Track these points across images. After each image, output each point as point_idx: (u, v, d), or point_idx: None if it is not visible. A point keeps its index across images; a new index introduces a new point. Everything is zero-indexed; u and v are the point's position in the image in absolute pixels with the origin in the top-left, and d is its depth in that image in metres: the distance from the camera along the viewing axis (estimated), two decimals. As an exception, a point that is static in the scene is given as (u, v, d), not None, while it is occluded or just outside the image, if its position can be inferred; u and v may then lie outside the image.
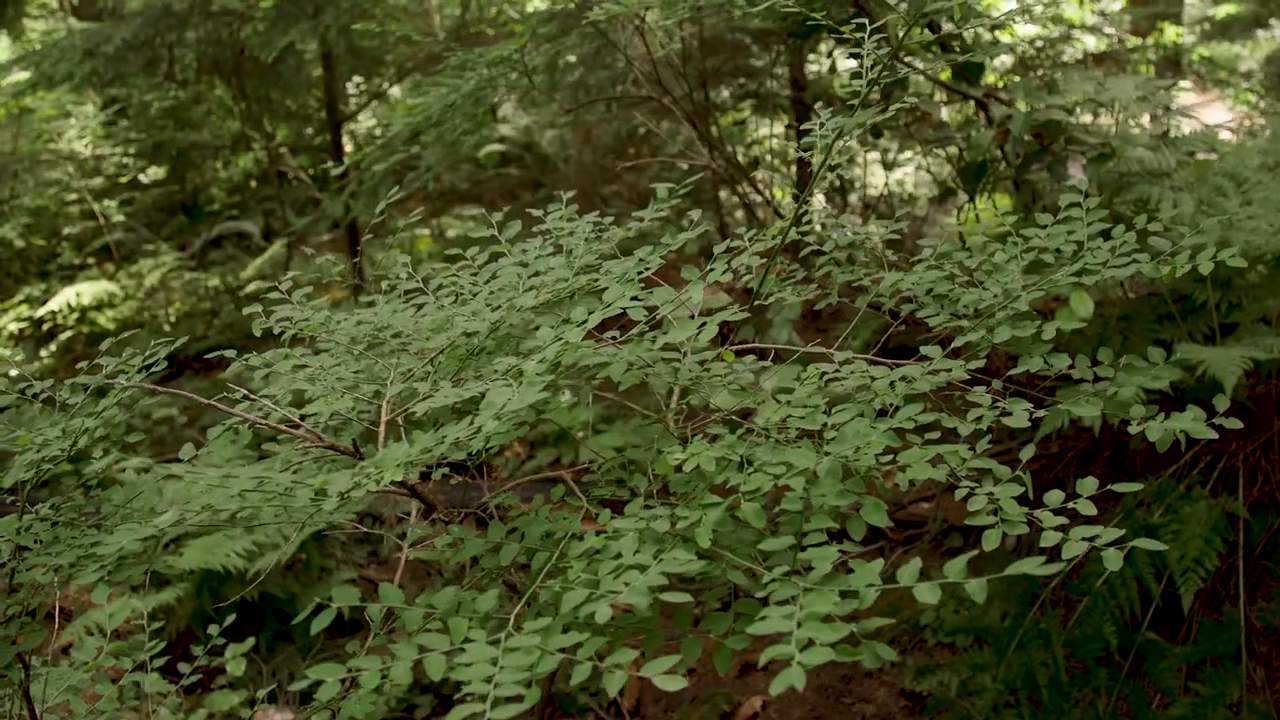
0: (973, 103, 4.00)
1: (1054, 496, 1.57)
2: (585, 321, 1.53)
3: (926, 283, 1.98)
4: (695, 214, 1.94)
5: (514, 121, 12.23)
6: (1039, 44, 5.89)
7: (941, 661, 3.63)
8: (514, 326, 1.89)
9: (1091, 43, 7.04)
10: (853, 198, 9.27)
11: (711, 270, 1.64)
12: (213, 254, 10.40)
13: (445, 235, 11.45)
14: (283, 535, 4.48)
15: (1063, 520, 1.51)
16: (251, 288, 9.94)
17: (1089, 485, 1.59)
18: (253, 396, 1.74)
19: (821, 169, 1.89)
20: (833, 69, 4.72)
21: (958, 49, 3.92)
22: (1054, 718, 3.20)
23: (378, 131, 12.15)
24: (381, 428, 1.75)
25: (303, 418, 1.71)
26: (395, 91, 11.73)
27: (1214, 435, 1.70)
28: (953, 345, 1.76)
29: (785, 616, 1.24)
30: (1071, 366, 1.83)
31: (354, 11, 5.97)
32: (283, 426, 1.68)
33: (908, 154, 11.00)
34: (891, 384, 1.67)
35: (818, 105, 2.44)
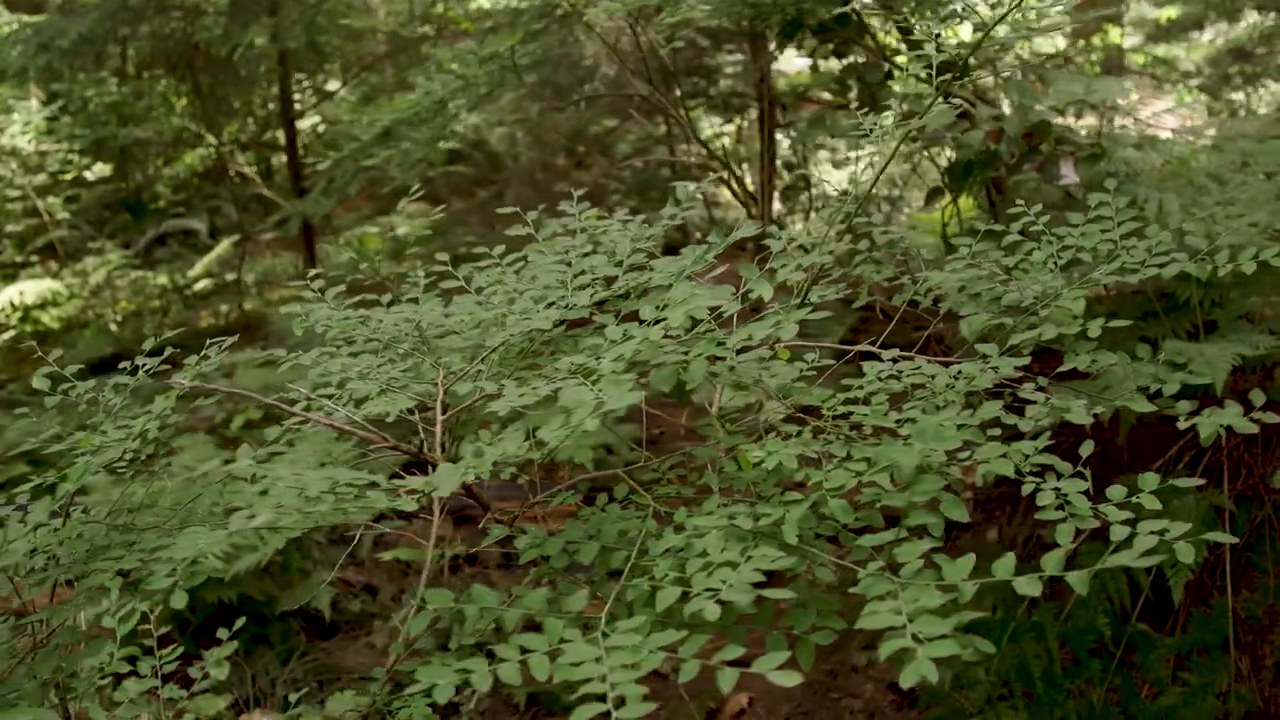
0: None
1: (1117, 491, 1.60)
2: (664, 319, 1.53)
3: (963, 281, 2.00)
4: (741, 215, 1.95)
5: (463, 119, 12.17)
6: (996, 46, 5.97)
7: (930, 655, 3.67)
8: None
9: (1048, 44, 7.16)
10: (802, 196, 9.34)
11: (775, 270, 1.65)
12: (158, 252, 10.24)
13: (395, 232, 11.36)
14: (259, 537, 4.43)
15: (1128, 515, 1.55)
16: (200, 286, 9.81)
17: (1150, 481, 1.63)
18: (311, 396, 1.72)
19: (884, 170, 1.91)
20: (814, 68, 4.76)
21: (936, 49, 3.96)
22: (1049, 709, 3.25)
23: (321, 128, 12.04)
24: (438, 427, 1.74)
25: (363, 418, 1.69)
26: (340, 90, 11.61)
27: (1254, 429, 1.74)
28: (1009, 344, 1.78)
29: (894, 611, 1.25)
30: (1114, 364, 1.87)
31: (318, 7, 5.90)
32: (346, 427, 1.66)
33: (853, 153, 11.10)
34: (950, 383, 1.70)
35: (872, 104, 2.46)
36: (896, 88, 3.83)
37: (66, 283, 9.23)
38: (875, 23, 3.94)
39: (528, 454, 1.47)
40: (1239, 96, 8.69)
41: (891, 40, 4.19)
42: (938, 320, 2.04)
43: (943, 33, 3.68)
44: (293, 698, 2.38)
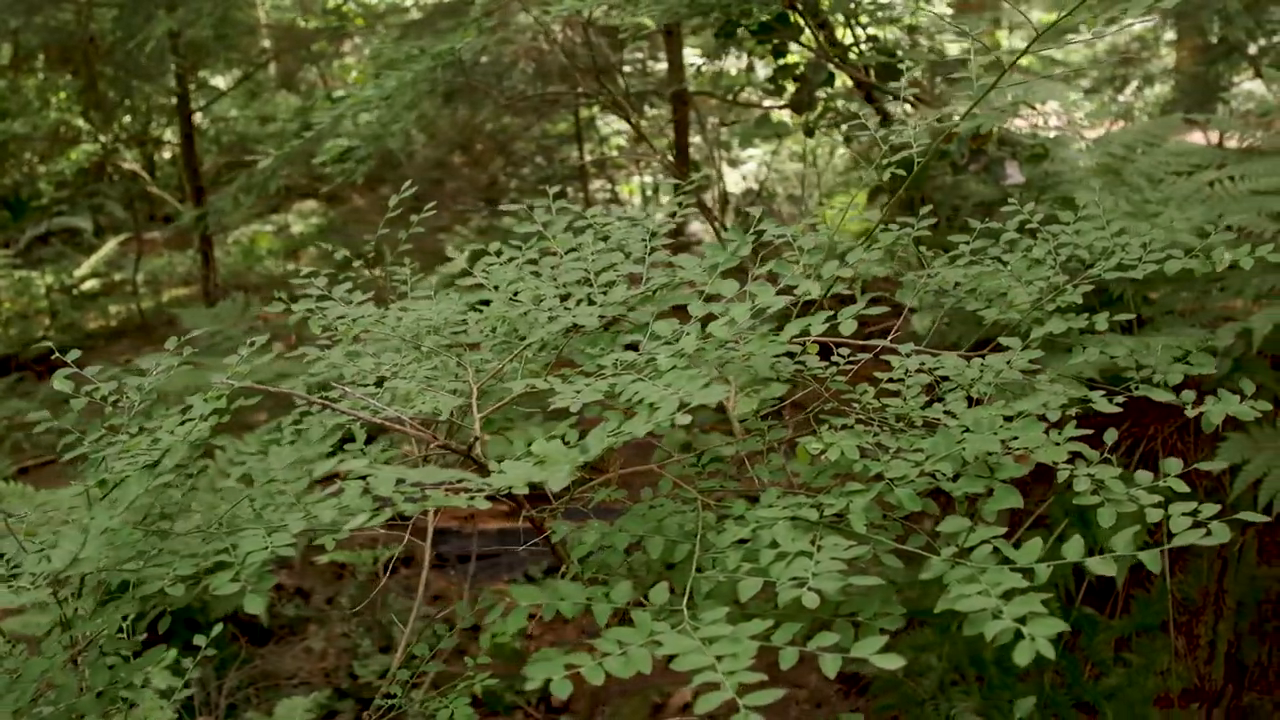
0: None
1: (1144, 476, 1.67)
2: (729, 316, 1.55)
3: (969, 277, 2.06)
4: (755, 211, 1.98)
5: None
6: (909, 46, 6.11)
7: (876, 644, 3.75)
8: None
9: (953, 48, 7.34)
10: (708, 194, 9.43)
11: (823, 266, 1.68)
12: (41, 251, 9.90)
13: (289, 230, 11.16)
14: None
15: (1158, 498, 1.62)
16: (88, 286, 9.51)
17: (1174, 465, 1.70)
18: (348, 393, 1.70)
19: (918, 171, 1.95)
20: (750, 68, 4.81)
21: (875, 51, 4.06)
22: (1000, 693, 3.35)
23: (204, 124, 11.76)
24: (476, 425, 1.73)
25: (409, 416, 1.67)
26: (221, 83, 11.36)
27: (1254, 415, 1.84)
28: (1032, 338, 1.84)
29: (981, 593, 1.30)
30: (1118, 356, 1.95)
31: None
32: (396, 425, 1.64)
33: (750, 152, 11.28)
34: (979, 375, 1.75)
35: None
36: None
37: (-55, 284, 8.88)
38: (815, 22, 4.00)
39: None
40: (1122, 98, 9.03)
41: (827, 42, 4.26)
42: (953, 316, 2.09)
43: (880, 34, 3.75)
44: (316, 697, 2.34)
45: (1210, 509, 1.55)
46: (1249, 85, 8.24)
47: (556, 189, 2.28)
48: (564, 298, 1.89)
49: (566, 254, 2.00)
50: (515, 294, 1.88)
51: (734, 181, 10.76)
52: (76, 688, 1.45)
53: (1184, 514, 1.55)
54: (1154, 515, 1.59)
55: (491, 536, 4.89)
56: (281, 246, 11.01)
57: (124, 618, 1.79)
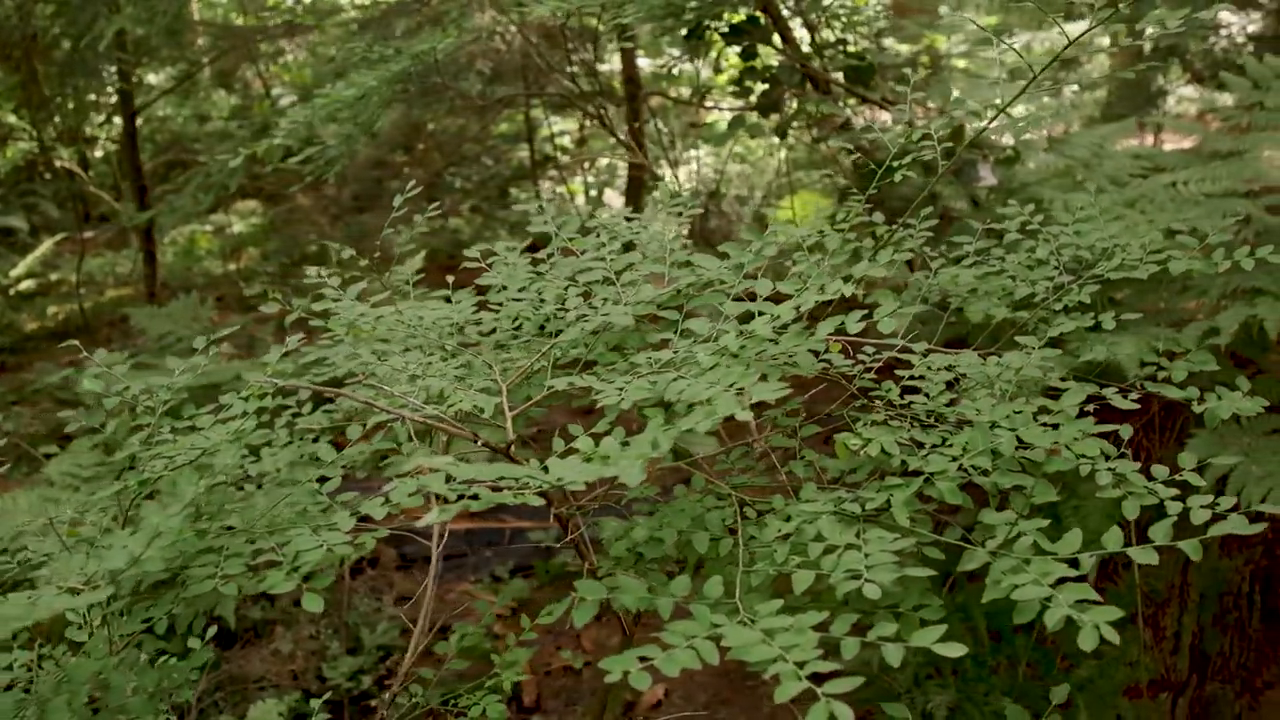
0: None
1: (1161, 470, 1.73)
2: (768, 313, 1.57)
3: (976, 277, 2.11)
4: (767, 211, 2.01)
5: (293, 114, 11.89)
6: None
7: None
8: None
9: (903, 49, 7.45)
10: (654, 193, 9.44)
11: (866, 264, 1.71)
12: (-26, 251, 9.68)
13: (228, 230, 11.03)
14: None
15: (1175, 491, 1.68)
16: (24, 286, 9.32)
17: (1189, 459, 1.76)
18: (393, 393, 1.70)
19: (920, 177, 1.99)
20: (717, 70, 4.84)
21: (845, 55, 4.11)
22: (976, 686, 3.41)
23: (140, 123, 11.58)
24: (508, 422, 1.74)
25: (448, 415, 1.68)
26: (155, 81, 11.20)
27: (1254, 411, 1.90)
28: (1049, 337, 1.89)
29: (1034, 582, 1.34)
30: (1130, 354, 2.01)
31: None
32: (438, 423, 1.65)
33: (692, 153, 11.35)
34: (999, 373, 1.80)
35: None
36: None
37: (-124, 284, 8.66)
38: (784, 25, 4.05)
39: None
40: (1060, 100, 9.20)
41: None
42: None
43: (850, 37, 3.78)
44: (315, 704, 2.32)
45: (1228, 501, 1.61)
46: (1184, 90, 8.45)
47: (543, 189, 2.29)
48: (586, 296, 1.91)
49: (583, 254, 2.02)
50: (540, 294, 1.89)
51: (669, 179, 10.86)
52: (125, 688, 1.44)
53: (1203, 507, 1.62)
54: (1173, 508, 1.65)
55: (459, 537, 4.88)
56: (220, 246, 10.88)
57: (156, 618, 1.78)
